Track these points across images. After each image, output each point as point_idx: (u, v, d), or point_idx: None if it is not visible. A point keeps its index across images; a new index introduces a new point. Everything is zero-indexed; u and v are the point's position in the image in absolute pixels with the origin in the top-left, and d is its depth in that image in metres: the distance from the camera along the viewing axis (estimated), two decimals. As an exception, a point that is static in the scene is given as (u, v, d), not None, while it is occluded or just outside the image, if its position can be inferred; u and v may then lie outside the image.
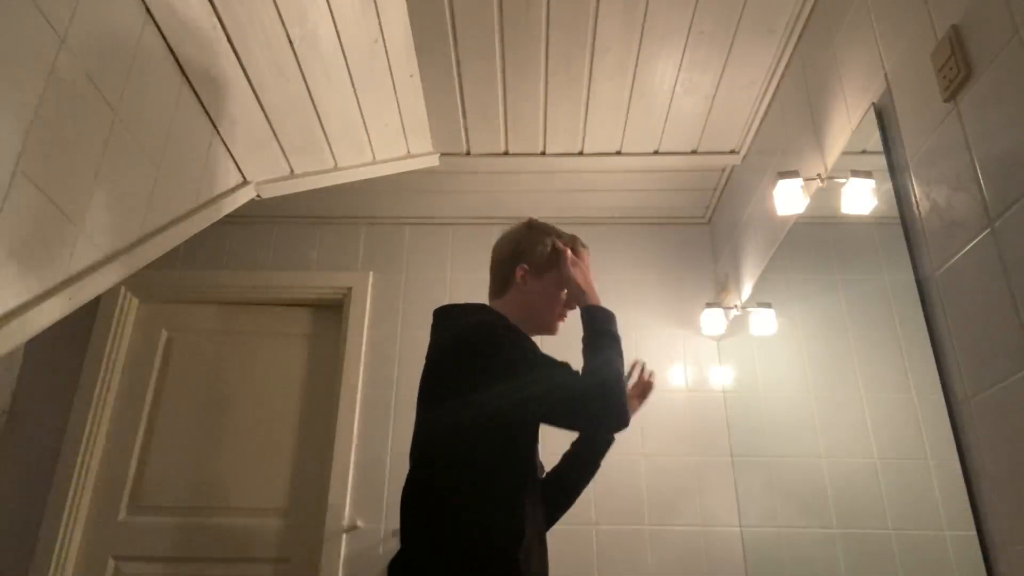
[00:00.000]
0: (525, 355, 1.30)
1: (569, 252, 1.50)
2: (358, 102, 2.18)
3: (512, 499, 1.27)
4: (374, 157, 2.43)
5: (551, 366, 1.30)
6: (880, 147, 1.49)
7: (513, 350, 1.31)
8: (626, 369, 1.42)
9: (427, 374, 1.39)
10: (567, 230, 1.54)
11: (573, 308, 1.51)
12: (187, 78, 1.71)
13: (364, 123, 2.27)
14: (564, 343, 1.53)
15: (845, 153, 1.70)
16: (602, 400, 1.26)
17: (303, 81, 1.97)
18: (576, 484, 1.58)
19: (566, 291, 1.50)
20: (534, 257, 1.50)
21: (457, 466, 1.29)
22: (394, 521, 2.46)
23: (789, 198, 1.86)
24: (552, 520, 1.52)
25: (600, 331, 1.37)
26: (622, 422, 1.27)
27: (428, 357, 1.42)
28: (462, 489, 1.27)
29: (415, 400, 1.40)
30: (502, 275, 1.51)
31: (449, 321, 1.45)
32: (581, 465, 1.59)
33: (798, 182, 1.85)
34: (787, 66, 2.09)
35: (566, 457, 1.60)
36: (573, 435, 1.60)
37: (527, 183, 2.72)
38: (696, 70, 2.16)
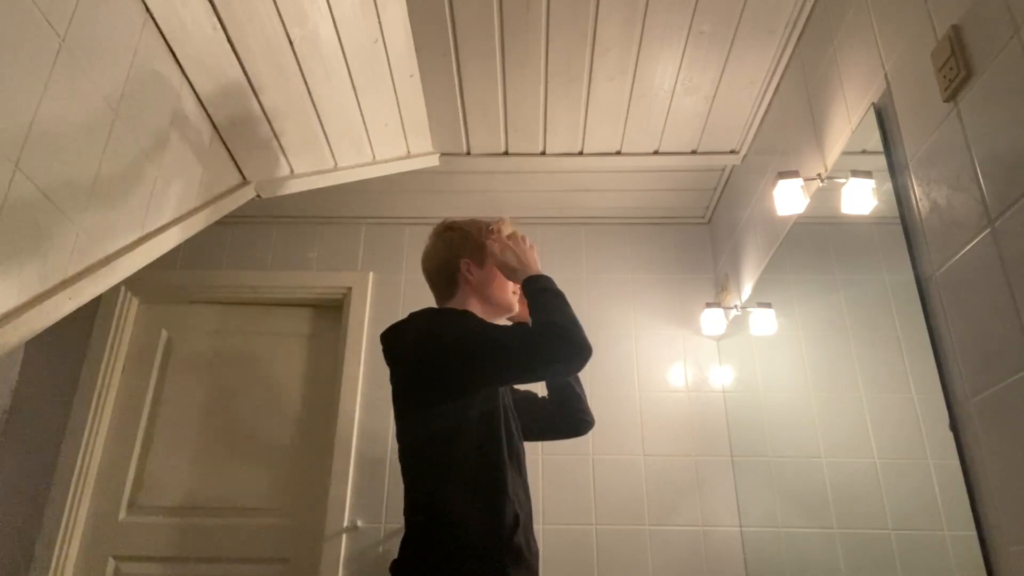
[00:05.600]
0: (473, 332, 1.37)
1: (494, 237, 1.58)
2: (358, 102, 2.18)
3: (500, 488, 1.31)
4: (374, 157, 2.43)
5: (500, 331, 1.38)
6: (880, 147, 1.49)
7: (460, 332, 1.38)
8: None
9: (395, 391, 1.46)
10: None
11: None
12: (187, 78, 1.71)
13: (364, 123, 2.27)
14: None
15: (845, 153, 1.70)
16: (558, 339, 1.32)
17: (303, 81, 1.97)
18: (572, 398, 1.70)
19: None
20: (470, 248, 1.57)
21: (441, 466, 1.34)
22: (394, 521, 2.47)
23: (789, 198, 1.86)
24: (583, 421, 1.69)
25: (539, 291, 1.44)
26: (586, 352, 1.32)
27: (393, 376, 1.48)
28: (453, 489, 1.31)
29: None
30: (446, 278, 1.58)
31: (399, 335, 1.51)
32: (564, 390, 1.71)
33: (798, 182, 1.85)
34: (787, 66, 2.09)
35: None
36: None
37: (527, 183, 2.72)
38: (696, 70, 2.16)
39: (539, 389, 1.73)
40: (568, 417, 1.69)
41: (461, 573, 1.24)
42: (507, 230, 1.62)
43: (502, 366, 1.34)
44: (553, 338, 1.32)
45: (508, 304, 1.60)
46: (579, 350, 1.32)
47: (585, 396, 1.72)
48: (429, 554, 1.28)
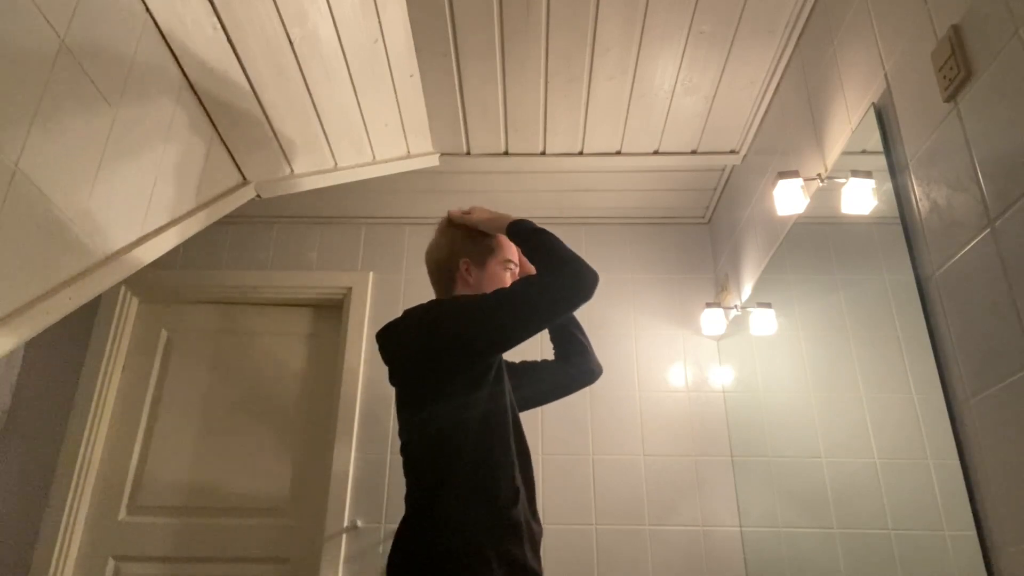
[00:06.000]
0: (474, 301, 1.40)
1: (458, 212, 1.62)
2: (358, 102, 2.18)
3: (502, 465, 1.33)
4: (374, 157, 2.43)
5: (498, 291, 1.40)
6: (880, 147, 1.49)
7: (457, 308, 1.41)
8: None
9: (401, 385, 1.46)
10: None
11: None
12: (187, 78, 1.71)
13: (364, 123, 2.27)
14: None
15: (845, 153, 1.70)
16: (571, 275, 1.35)
17: (303, 81, 1.97)
18: (576, 343, 1.75)
19: (509, 267, 1.60)
20: (471, 248, 1.58)
21: (447, 451, 1.34)
22: (394, 521, 2.46)
23: (789, 198, 1.86)
24: (591, 371, 1.73)
25: (529, 233, 1.47)
26: (595, 280, 1.36)
27: (395, 373, 1.48)
28: (456, 470, 1.32)
29: None
30: (447, 275, 1.59)
31: (397, 332, 1.51)
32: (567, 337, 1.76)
33: (798, 182, 1.85)
34: (787, 66, 2.09)
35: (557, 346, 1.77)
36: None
37: (527, 183, 2.72)
38: (696, 70, 2.16)
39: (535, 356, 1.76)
40: (577, 372, 1.72)
41: (459, 545, 1.25)
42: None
43: (514, 319, 1.35)
44: (567, 277, 1.35)
45: None
46: (589, 281, 1.35)
47: (590, 344, 1.74)
48: (428, 529, 1.28)
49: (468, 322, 1.35)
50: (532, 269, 1.54)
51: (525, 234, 1.47)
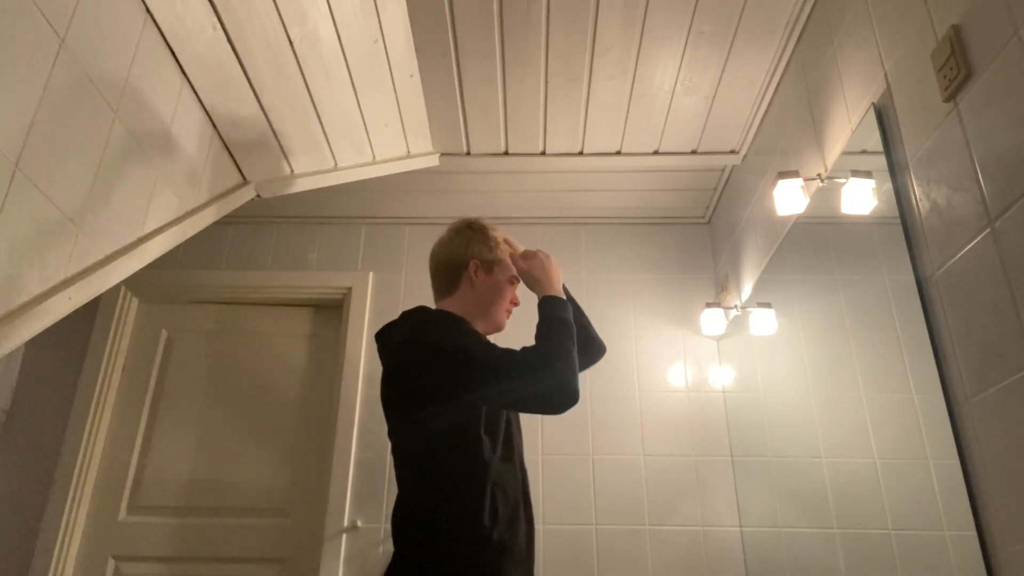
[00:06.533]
0: (468, 349, 1.36)
1: (517, 249, 1.59)
2: (358, 102, 2.18)
3: (480, 485, 1.31)
4: (374, 157, 2.43)
5: (495, 353, 1.35)
6: (880, 147, 1.49)
7: (455, 343, 1.37)
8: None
9: (384, 391, 1.45)
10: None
11: (518, 304, 1.60)
12: (187, 78, 1.71)
13: (364, 123, 2.27)
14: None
15: (845, 153, 1.70)
16: (554, 386, 1.32)
17: (303, 81, 1.97)
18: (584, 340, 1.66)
19: (514, 284, 1.58)
20: (484, 253, 1.58)
21: (429, 466, 1.34)
22: (394, 521, 2.47)
23: (789, 198, 1.86)
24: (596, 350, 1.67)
25: (553, 318, 1.43)
26: (573, 401, 1.32)
27: (385, 375, 1.46)
28: (435, 488, 1.32)
29: None
30: (452, 274, 1.57)
31: (392, 341, 1.50)
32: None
33: (798, 182, 1.85)
34: (787, 66, 2.09)
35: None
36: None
37: (527, 183, 2.72)
38: (696, 70, 2.16)
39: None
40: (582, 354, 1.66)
41: (445, 569, 1.25)
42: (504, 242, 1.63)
43: (487, 389, 1.33)
44: (549, 382, 1.32)
45: (498, 322, 1.59)
46: (567, 399, 1.33)
47: (590, 323, 1.69)
48: (420, 558, 1.28)
49: (456, 362, 1.34)
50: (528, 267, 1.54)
51: (550, 315, 1.44)
